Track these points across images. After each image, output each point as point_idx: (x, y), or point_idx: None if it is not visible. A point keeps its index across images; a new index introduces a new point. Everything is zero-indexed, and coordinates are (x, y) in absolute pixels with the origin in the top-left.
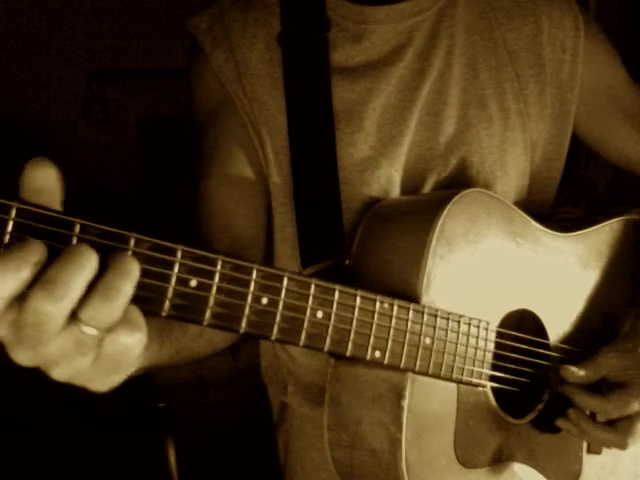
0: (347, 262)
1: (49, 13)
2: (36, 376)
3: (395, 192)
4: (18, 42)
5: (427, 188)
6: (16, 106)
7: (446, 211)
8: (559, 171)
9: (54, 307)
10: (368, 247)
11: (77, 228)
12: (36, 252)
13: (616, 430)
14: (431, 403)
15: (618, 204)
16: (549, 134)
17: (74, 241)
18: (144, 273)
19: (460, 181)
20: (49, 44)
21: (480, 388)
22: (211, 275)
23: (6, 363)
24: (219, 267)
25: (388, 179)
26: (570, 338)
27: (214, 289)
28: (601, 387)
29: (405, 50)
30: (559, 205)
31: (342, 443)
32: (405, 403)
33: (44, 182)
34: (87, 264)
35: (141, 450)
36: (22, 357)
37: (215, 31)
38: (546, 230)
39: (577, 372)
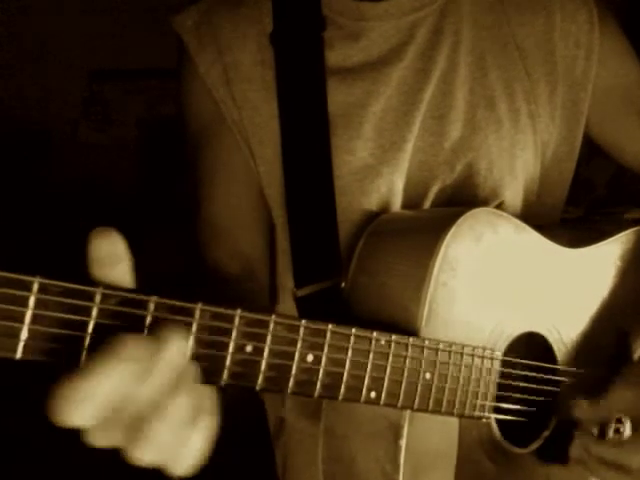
0: (343, 284)
1: (49, 13)
2: (36, 377)
3: (397, 201)
4: (18, 42)
5: (431, 196)
6: (16, 106)
7: (450, 234)
8: (570, 172)
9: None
10: (366, 267)
11: (97, 297)
12: (125, 349)
13: (629, 473)
14: (431, 440)
15: (618, 204)
16: (560, 135)
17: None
18: (114, 331)
19: (466, 189)
20: (49, 44)
21: (483, 420)
22: (188, 327)
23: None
24: (197, 317)
25: (389, 188)
26: (581, 359)
27: (191, 341)
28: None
29: (406, 49)
30: None
31: (337, 477)
32: (403, 442)
33: (109, 250)
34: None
35: None
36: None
37: (202, 30)
38: (556, 245)
39: (588, 408)
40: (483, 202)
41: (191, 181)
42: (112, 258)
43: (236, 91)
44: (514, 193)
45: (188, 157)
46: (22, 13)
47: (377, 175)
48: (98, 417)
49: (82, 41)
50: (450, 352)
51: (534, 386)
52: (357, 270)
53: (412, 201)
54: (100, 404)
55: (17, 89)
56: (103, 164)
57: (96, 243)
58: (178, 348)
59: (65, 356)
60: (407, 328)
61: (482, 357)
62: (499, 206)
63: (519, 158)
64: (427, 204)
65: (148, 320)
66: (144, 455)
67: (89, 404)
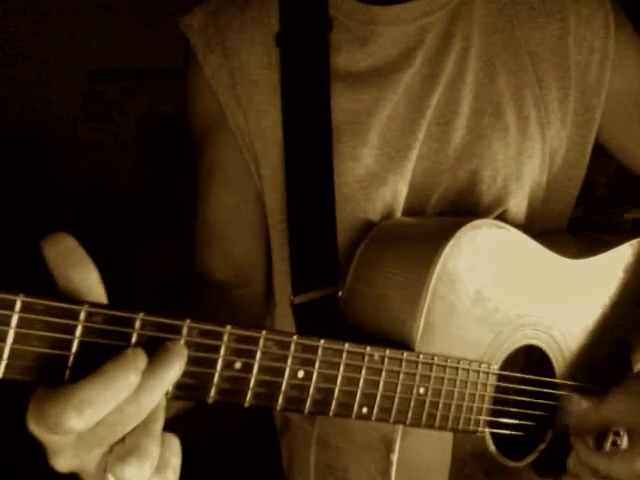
0: (340, 293)
1: (49, 13)
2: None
3: (400, 208)
4: (18, 42)
5: (434, 203)
6: (16, 106)
7: (449, 246)
8: (580, 179)
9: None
10: (363, 276)
11: (82, 314)
12: (142, 359)
13: None
14: (423, 454)
15: (618, 204)
16: (571, 141)
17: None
18: (99, 349)
19: (470, 196)
20: (49, 44)
21: (478, 434)
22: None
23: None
24: (185, 334)
25: (394, 195)
26: (580, 371)
27: None
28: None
29: (415, 54)
30: None
31: None
32: (394, 457)
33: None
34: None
35: None
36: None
37: (209, 33)
38: (557, 256)
39: (585, 417)
40: (486, 210)
41: (192, 181)
42: (65, 255)
43: (242, 94)
44: (519, 200)
45: (191, 156)
46: (22, 13)
47: (382, 183)
48: (94, 421)
49: (82, 41)
50: (445, 367)
51: (531, 400)
52: (354, 279)
53: (415, 208)
54: (101, 407)
55: (17, 89)
56: (103, 164)
57: (47, 247)
58: (178, 371)
59: (48, 375)
60: (403, 340)
61: (478, 371)
62: (503, 214)
63: (526, 166)
64: (430, 211)
65: (134, 338)
66: (126, 471)
67: (93, 406)
